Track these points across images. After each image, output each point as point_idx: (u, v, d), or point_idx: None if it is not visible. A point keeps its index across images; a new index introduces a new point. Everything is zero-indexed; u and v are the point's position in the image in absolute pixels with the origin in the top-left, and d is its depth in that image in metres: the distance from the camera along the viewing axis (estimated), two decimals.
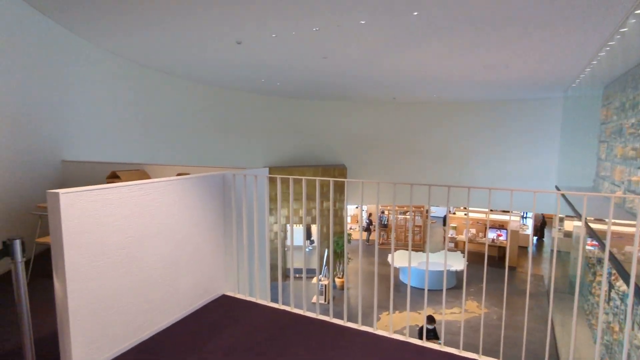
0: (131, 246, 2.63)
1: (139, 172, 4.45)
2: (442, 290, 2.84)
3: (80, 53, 5.88)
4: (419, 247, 14.78)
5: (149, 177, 4.48)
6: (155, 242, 2.81)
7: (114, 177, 4.24)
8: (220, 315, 3.17)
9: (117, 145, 7.01)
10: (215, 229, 3.42)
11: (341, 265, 11.81)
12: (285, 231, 10.68)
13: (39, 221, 3.98)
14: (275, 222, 10.88)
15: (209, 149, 10.60)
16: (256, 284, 3.46)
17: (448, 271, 10.66)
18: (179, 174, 4.05)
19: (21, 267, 2.01)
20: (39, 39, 4.84)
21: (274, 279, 4.79)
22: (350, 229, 15.63)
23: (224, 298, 3.48)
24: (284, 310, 3.28)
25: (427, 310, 9.69)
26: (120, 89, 7.20)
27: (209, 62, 7.50)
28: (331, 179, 3.00)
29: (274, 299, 3.47)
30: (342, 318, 3.13)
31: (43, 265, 4.05)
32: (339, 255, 11.36)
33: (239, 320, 3.10)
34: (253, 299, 3.46)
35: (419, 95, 11.47)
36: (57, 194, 2.20)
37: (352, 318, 3.12)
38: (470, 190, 2.73)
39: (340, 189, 10.64)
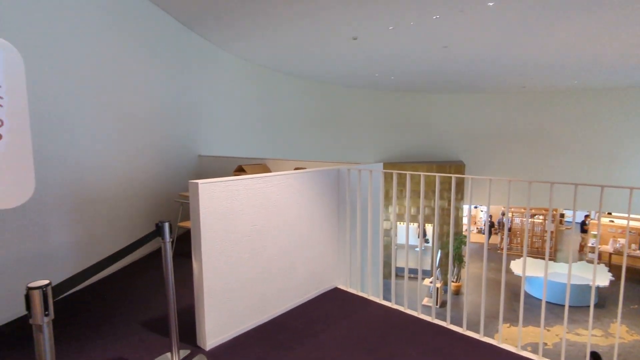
0: (255, 234, 2.83)
1: (261, 166, 4.80)
2: (576, 307, 2.39)
3: (213, 58, 6.60)
4: (550, 256, 13.03)
5: (269, 171, 4.80)
6: (275, 232, 2.98)
7: (240, 170, 4.64)
8: (333, 307, 3.22)
9: (242, 141, 7.72)
10: (329, 223, 3.48)
11: (456, 269, 11.10)
12: (395, 229, 10.46)
13: (181, 208, 4.59)
14: (386, 219, 10.75)
15: (322, 144, 10.98)
16: (368, 280, 3.42)
17: (587, 286, 9.16)
18: (296, 168, 4.24)
19: (169, 246, 2.31)
20: (179, 47, 5.56)
21: (384, 276, 4.69)
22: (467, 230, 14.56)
23: (336, 291, 3.53)
24: (396, 310, 3.17)
25: (558, 328, 8.47)
26: (244, 90, 7.91)
27: (325, 61, 7.72)
28: (453, 175, 2.78)
29: (385, 297, 3.39)
30: (459, 325, 2.89)
31: (182, 246, 4.67)
32: (453, 257, 10.69)
33: (350, 314, 3.11)
34: (364, 295, 3.43)
35: (555, 82, 10.03)
36: (197, 184, 2.47)
37: (470, 326, 2.86)
38: (632, 191, 2.24)
39: (457, 187, 9.96)
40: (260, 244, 2.88)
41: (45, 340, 1.35)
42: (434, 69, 8.38)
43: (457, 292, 11.00)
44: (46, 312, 1.33)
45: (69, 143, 3.47)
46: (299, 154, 9.77)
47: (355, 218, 3.50)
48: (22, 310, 2.93)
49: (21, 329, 2.87)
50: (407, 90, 12.19)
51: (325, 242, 3.47)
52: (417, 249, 11.47)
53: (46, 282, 1.34)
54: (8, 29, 2.91)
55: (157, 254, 4.65)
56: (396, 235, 10.41)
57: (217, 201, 2.57)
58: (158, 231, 2.26)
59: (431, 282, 10.48)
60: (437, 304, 9.47)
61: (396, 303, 3.26)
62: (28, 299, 1.30)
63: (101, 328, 2.89)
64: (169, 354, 2.53)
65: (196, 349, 2.61)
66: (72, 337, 2.75)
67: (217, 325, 2.65)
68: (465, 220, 12.89)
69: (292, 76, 9.56)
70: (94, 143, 3.77)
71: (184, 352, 2.55)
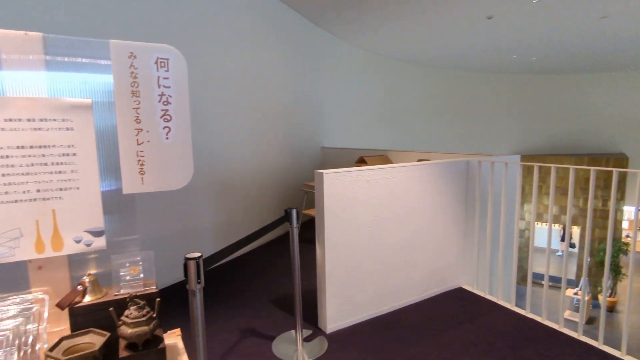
0: (376, 224, 2.82)
1: (382, 158, 4.75)
2: None
3: (336, 52, 6.76)
4: None
5: (391, 163, 4.73)
6: (396, 224, 2.92)
7: (361, 161, 4.68)
8: (456, 308, 3.02)
9: (364, 133, 7.78)
10: (456, 219, 3.27)
11: (611, 281, 9.37)
12: (533, 229, 9.31)
13: (305, 196, 4.87)
14: (522, 219, 9.63)
15: (450, 135, 10.35)
16: (499, 283, 3.11)
17: None
18: (419, 160, 4.08)
19: (296, 231, 2.47)
20: (306, 43, 5.82)
21: (516, 281, 4.21)
22: (627, 236, 12.15)
23: (460, 291, 3.31)
24: (531, 319, 2.82)
25: None
26: (367, 82, 7.92)
27: (455, 45, 7.22)
28: (615, 170, 2.32)
29: (517, 303, 3.04)
30: (616, 347, 2.42)
31: (304, 233, 4.96)
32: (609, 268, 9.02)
33: (476, 317, 2.87)
34: (493, 299, 3.13)
35: None
36: (322, 173, 2.57)
37: (631, 352, 2.37)
38: None
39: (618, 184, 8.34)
40: (380, 235, 2.86)
41: (197, 304, 1.57)
42: (586, 45, 7.11)
43: (612, 309, 9.28)
44: (199, 280, 1.55)
45: (214, 135, 3.97)
46: (423, 146, 9.41)
47: (486, 216, 3.21)
48: (179, 277, 3.50)
49: (180, 291, 3.43)
50: (550, 73, 10.64)
51: (450, 239, 3.27)
52: (559, 254, 10.01)
53: (199, 254, 1.55)
54: (168, 36, 3.45)
55: (283, 238, 5.04)
56: (533, 236, 9.24)
57: (340, 190, 2.64)
58: (286, 216, 2.43)
59: (576, 294, 9.06)
60: (583, 320, 8.15)
61: (531, 312, 2.90)
62: (185, 267, 1.52)
63: (236, 299, 3.26)
64: (293, 331, 2.71)
65: (317, 330, 2.74)
66: (215, 303, 3.17)
67: (338, 311, 2.73)
68: (625, 225, 10.74)
69: (418, 65, 9.22)
70: (233, 136, 4.25)
71: (307, 332, 2.71)
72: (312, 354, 2.48)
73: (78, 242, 1.14)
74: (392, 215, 2.90)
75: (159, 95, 1.20)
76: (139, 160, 1.20)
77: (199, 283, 1.57)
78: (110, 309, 0.99)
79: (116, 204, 1.20)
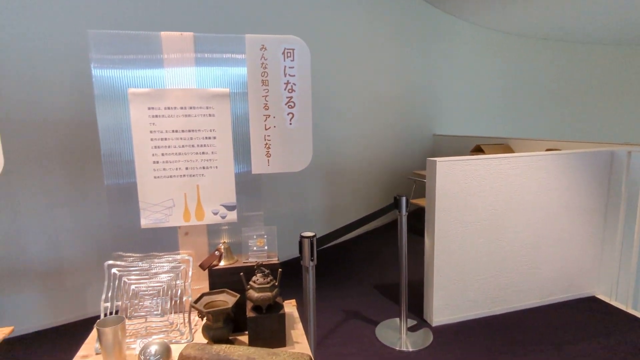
0: (493, 218, 2.62)
1: (503, 147, 4.36)
2: None
3: (452, 31, 6.32)
4: None
5: (512, 152, 4.31)
6: (516, 219, 2.67)
7: (478, 150, 4.36)
8: (587, 319, 2.65)
9: (481, 119, 7.20)
10: (592, 219, 2.84)
11: None
12: None
13: (414, 185, 4.74)
14: None
15: (588, 121, 8.95)
16: None
17: None
18: (548, 150, 3.63)
19: (404, 219, 2.44)
20: (420, 24, 5.57)
21: None
22: None
23: (593, 300, 2.89)
24: None
25: None
26: (485, 64, 7.26)
27: (598, 13, 6.16)
28: None
29: None
30: None
31: (411, 222, 4.85)
32: None
33: (613, 332, 2.49)
34: (637, 314, 2.67)
35: None
36: (435, 161, 2.47)
37: None
38: None
39: None
40: (497, 231, 2.65)
41: (310, 280, 1.68)
42: None
43: None
44: (312, 258, 1.65)
45: (325, 120, 4.11)
46: (552, 133, 8.33)
47: (634, 217, 2.72)
48: (289, 255, 3.77)
49: (294, 267, 3.69)
50: None
51: (584, 242, 2.86)
52: None
53: (313, 234, 1.65)
54: (293, 26, 3.65)
55: (389, 226, 5.01)
56: None
57: (454, 180, 2.51)
58: (396, 204, 2.41)
59: None
60: None
61: None
62: (300, 245, 1.63)
63: (341, 282, 3.37)
64: (397, 320, 2.71)
65: (422, 321, 2.69)
66: (321, 282, 3.34)
67: (445, 305, 2.64)
68: None
69: (549, 41, 8.12)
70: (344, 121, 4.34)
71: (411, 322, 2.68)
72: (416, 345, 2.45)
73: (215, 214, 1.31)
74: (512, 210, 2.66)
75: (284, 83, 1.30)
76: (266, 144, 1.31)
77: (312, 260, 1.68)
78: (241, 273, 1.12)
79: (245, 183, 1.34)
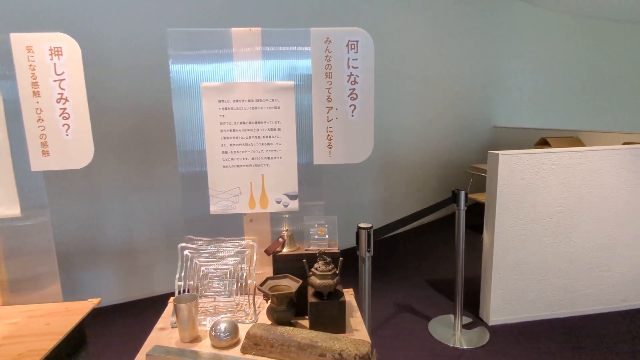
0: (560, 216, 2.47)
1: (572, 140, 4.05)
2: None
3: (517, 16, 5.92)
4: None
5: (582, 146, 4.00)
6: (587, 217, 2.49)
7: (543, 143, 4.10)
8: None
9: (546, 111, 6.73)
10: None
11: None
12: None
13: (471, 179, 4.57)
14: None
15: None
16: None
17: None
18: (626, 143, 3.33)
19: (463, 214, 2.37)
20: (481, 8, 5.28)
21: None
22: None
23: None
24: None
25: None
26: (550, 50, 6.74)
27: None
28: None
29: None
30: None
31: (467, 217, 4.68)
32: None
33: None
34: None
35: None
36: (497, 154, 2.37)
37: None
38: None
39: None
40: (565, 229, 2.49)
41: (366, 270, 1.70)
42: None
43: None
44: (368, 249, 1.66)
45: (382, 109, 4.07)
46: (632, 126, 7.59)
47: None
48: (348, 244, 3.80)
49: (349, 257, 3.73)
50: None
51: None
52: None
53: (370, 225, 1.66)
54: (349, 15, 3.64)
55: (443, 221, 4.88)
56: None
57: (517, 174, 2.39)
58: (454, 198, 2.35)
59: None
60: None
61: None
62: (357, 235, 1.65)
63: (394, 275, 3.35)
64: (452, 316, 2.65)
65: (478, 319, 2.61)
66: (375, 273, 3.34)
67: (503, 304, 2.54)
68: None
69: (627, 23, 7.36)
70: (400, 113, 4.26)
71: (466, 319, 2.61)
72: (471, 343, 2.39)
73: (278, 202, 1.36)
74: (583, 208, 2.48)
75: (348, 75, 1.31)
76: (328, 135, 1.34)
77: (368, 251, 1.69)
78: (304, 260, 1.16)
79: (307, 173, 1.38)
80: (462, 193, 2.34)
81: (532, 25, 6.37)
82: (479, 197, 4.40)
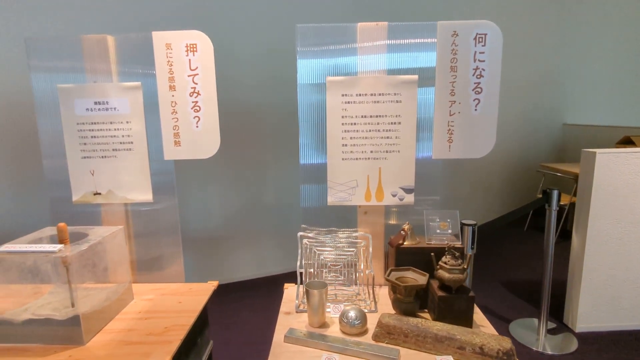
0: None
1: None
2: None
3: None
4: None
5: None
6: None
7: (626, 142, 3.84)
8: None
9: (629, 106, 6.25)
10: None
11: None
12: None
13: (542, 179, 4.36)
14: None
15: None
16: None
17: None
18: None
19: (554, 214, 2.27)
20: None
21: None
22: None
23: None
24: None
25: None
26: (631, 38, 6.23)
27: None
28: None
29: None
30: None
31: (538, 220, 4.47)
32: None
33: None
34: None
35: None
36: (594, 153, 2.25)
37: None
38: None
39: None
40: None
41: (469, 268, 1.67)
42: None
43: None
44: (472, 246, 1.64)
45: None
46: None
47: None
48: None
49: None
50: None
51: None
52: None
53: (474, 222, 1.64)
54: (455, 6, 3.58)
55: (513, 222, 4.70)
56: None
57: (616, 175, 2.26)
58: (546, 198, 2.26)
59: None
60: None
61: None
62: (462, 232, 1.63)
63: (475, 274, 3.28)
64: (534, 320, 2.56)
65: (562, 325, 2.51)
66: None
67: (592, 311, 2.41)
68: None
69: None
70: None
71: (551, 324, 2.51)
72: (556, 349, 2.30)
73: (394, 196, 1.38)
74: None
75: (473, 69, 1.30)
76: (449, 130, 1.33)
77: (472, 248, 1.67)
78: (432, 254, 1.16)
79: (423, 167, 1.38)
80: (555, 192, 2.24)
81: (615, 7, 5.91)
82: None
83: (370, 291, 1.33)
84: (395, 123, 1.35)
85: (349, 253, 1.38)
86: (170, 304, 1.36)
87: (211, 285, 1.48)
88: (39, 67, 1.41)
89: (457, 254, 1.17)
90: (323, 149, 1.39)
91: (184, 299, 1.40)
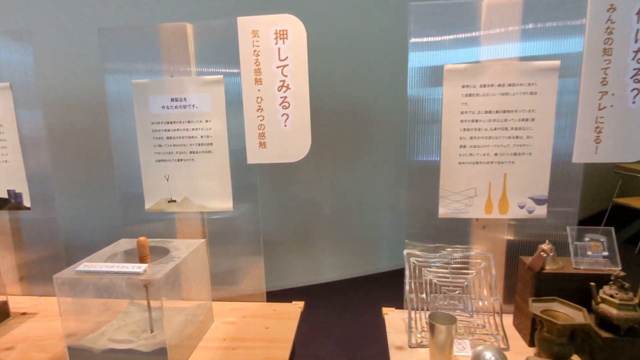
0: None
1: None
2: None
3: None
4: None
5: None
6: None
7: None
8: None
9: None
10: None
11: None
12: None
13: (620, 181, 3.94)
14: None
15: None
16: None
17: None
18: None
19: None
20: None
21: None
22: None
23: None
24: None
25: None
26: None
27: None
28: None
29: None
30: None
31: (613, 226, 4.05)
32: None
33: None
34: None
35: None
36: None
37: None
38: None
39: None
40: None
41: None
42: None
43: None
44: None
45: None
46: None
47: None
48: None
49: None
50: None
51: None
52: None
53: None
54: None
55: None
56: None
57: None
58: None
59: None
60: None
61: None
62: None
63: None
64: None
65: None
66: None
67: None
68: None
69: None
70: None
71: None
72: None
73: (521, 207, 1.14)
74: None
75: (634, 52, 1.04)
76: (597, 128, 1.08)
77: None
78: (592, 284, 0.92)
79: (559, 173, 1.13)
80: None
81: None
82: (631, 201, 3.79)
83: (498, 323, 1.10)
84: (527, 120, 1.11)
85: (468, 276, 1.15)
86: (256, 330, 1.18)
87: (297, 307, 1.30)
88: (112, 60, 1.27)
89: (627, 284, 0.93)
90: (434, 150, 1.17)
91: (270, 323, 1.22)
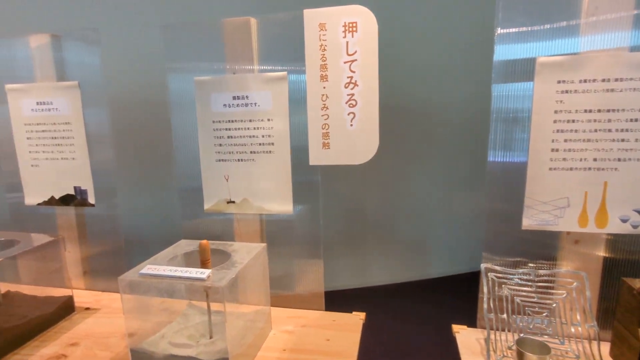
0: None
1: None
2: None
3: None
4: None
5: None
6: None
7: None
8: None
9: None
10: None
11: None
12: None
13: None
14: None
15: None
16: None
17: None
18: None
19: None
20: None
21: None
22: None
23: None
24: None
25: None
26: None
27: None
28: None
29: None
30: None
31: None
32: None
33: None
34: None
35: None
36: None
37: None
38: None
39: None
40: None
41: None
42: None
43: None
44: None
45: None
46: None
47: None
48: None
49: None
50: None
51: None
52: None
53: None
54: None
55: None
56: None
57: None
58: None
59: None
60: None
61: None
62: None
63: None
64: None
65: None
66: None
67: None
68: None
69: None
70: None
71: None
72: None
73: (624, 221, 0.99)
74: None
75: None
76: None
77: None
78: None
79: None
80: None
81: None
82: None
83: (595, 353, 0.95)
84: (636, 120, 0.95)
85: (559, 297, 1.02)
86: (316, 341, 1.12)
87: (358, 318, 1.22)
88: (174, 57, 1.25)
89: None
90: (519, 154, 1.05)
91: (330, 335, 1.15)
